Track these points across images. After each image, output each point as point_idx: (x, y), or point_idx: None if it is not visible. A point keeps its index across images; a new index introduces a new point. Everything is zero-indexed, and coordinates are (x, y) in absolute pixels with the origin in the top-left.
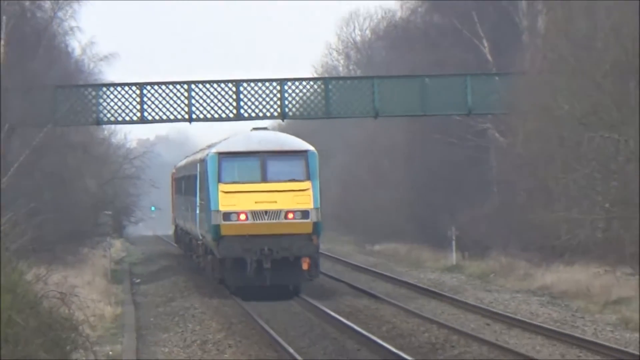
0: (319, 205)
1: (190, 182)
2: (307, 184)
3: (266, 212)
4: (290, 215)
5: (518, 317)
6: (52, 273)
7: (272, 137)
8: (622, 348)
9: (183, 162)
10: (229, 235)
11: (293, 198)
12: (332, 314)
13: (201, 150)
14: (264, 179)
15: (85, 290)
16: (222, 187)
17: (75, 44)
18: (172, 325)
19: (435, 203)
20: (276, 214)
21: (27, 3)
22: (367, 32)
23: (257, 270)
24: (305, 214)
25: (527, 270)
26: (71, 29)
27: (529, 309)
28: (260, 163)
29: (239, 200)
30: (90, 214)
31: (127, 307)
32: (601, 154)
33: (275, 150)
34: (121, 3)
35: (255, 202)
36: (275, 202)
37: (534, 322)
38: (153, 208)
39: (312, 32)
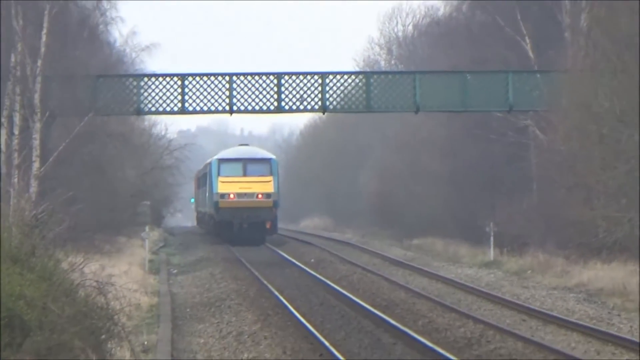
0: (277, 190)
1: (204, 178)
2: (269, 178)
3: (245, 193)
4: (260, 196)
5: (554, 313)
6: (89, 262)
7: (250, 149)
8: None
9: (200, 167)
10: (223, 207)
11: (261, 186)
12: (368, 307)
13: (209, 160)
14: (245, 174)
15: (122, 280)
16: (221, 179)
17: (117, 34)
18: (207, 316)
19: (474, 199)
20: (251, 195)
21: None
22: (410, 27)
23: (240, 229)
24: (268, 195)
25: (565, 267)
26: (113, 18)
27: (565, 306)
28: (242, 165)
29: (230, 187)
30: (128, 204)
31: (163, 298)
32: None
33: (251, 158)
34: None
35: (240, 188)
36: (251, 188)
37: (570, 319)
38: (193, 200)
39: (355, 26)
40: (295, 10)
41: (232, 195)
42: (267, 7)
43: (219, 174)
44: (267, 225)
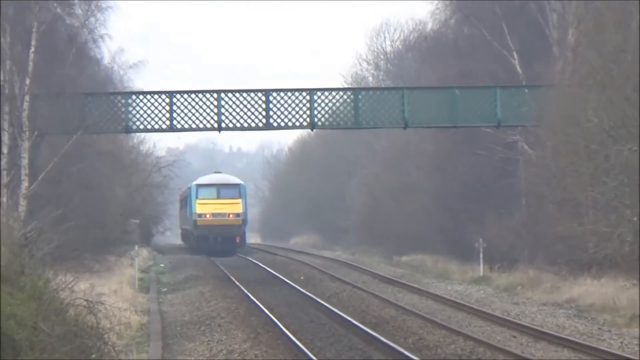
0: (245, 210)
1: (185, 200)
2: (239, 200)
3: (219, 213)
4: (231, 216)
5: (544, 329)
6: (79, 281)
7: (223, 176)
8: None
9: (182, 190)
10: (201, 225)
11: (231, 207)
12: (359, 324)
13: (190, 185)
14: (219, 197)
15: (112, 299)
16: (198, 201)
17: (105, 52)
18: (198, 335)
19: (464, 215)
20: (224, 215)
21: (59, 9)
22: (398, 43)
23: (215, 242)
24: (237, 214)
25: (554, 283)
26: (101, 36)
27: (555, 322)
28: (216, 189)
29: (206, 208)
30: (118, 222)
31: (153, 316)
32: (629, 167)
33: (224, 183)
34: (150, 11)
35: (214, 209)
36: (223, 209)
37: (561, 335)
38: None
39: (342, 42)
40: (283, 27)
41: (208, 215)
42: (256, 24)
43: (197, 197)
44: (237, 240)
